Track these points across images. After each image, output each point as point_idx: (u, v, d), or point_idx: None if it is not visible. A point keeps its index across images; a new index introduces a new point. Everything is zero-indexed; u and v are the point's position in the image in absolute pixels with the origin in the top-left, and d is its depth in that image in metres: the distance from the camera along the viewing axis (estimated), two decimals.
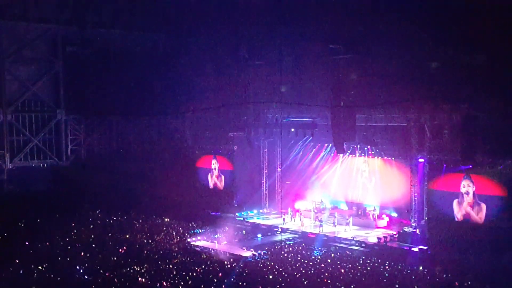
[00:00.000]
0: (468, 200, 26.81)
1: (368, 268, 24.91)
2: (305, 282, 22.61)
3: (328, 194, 36.26)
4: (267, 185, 38.10)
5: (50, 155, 43.40)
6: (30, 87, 42.27)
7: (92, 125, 45.22)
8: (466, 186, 26.86)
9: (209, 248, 29.14)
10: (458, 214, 27.14)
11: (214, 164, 38.96)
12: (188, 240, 30.56)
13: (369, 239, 30.07)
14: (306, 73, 33.59)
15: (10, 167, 41.68)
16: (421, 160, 29.42)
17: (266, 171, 37.98)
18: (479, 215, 26.49)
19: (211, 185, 39.27)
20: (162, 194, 38.59)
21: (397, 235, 30.01)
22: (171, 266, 25.16)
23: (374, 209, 33.60)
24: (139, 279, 23.38)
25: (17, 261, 25.39)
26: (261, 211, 37.56)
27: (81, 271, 24.36)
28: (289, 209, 35.21)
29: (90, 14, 42.16)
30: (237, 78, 37.11)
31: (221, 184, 38.75)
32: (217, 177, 38.92)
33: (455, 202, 27.19)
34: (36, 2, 40.78)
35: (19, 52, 41.59)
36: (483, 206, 26.30)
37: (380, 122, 31.80)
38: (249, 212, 37.00)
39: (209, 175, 39.23)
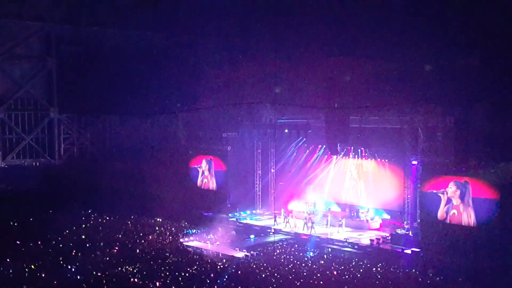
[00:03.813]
0: (454, 203, 26.96)
1: (361, 270, 24.95)
2: (298, 284, 22.61)
3: (321, 195, 36.24)
4: (260, 186, 38.06)
5: (43, 154, 43.23)
6: (23, 85, 42.08)
7: (85, 124, 45.09)
8: (451, 190, 27.01)
9: (201, 249, 29.11)
10: (443, 216, 27.32)
11: (204, 165, 38.85)
12: (181, 240, 30.53)
13: (361, 241, 30.09)
14: (300, 74, 33.58)
15: (2, 165, 41.49)
16: (414, 162, 29.48)
17: (260, 172, 37.95)
18: (466, 219, 26.61)
19: (199, 184, 39.14)
20: (155, 194, 38.51)
21: (390, 237, 30.06)
22: (163, 267, 25.08)
23: (367, 211, 33.65)
24: (131, 279, 23.31)
25: (8, 260, 25.26)
26: (254, 212, 37.53)
27: (73, 270, 24.26)
28: (282, 210, 35.19)
29: (84, 13, 42.04)
30: (231, 78, 37.06)
31: (213, 185, 38.65)
32: (207, 178, 38.78)
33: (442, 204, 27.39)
34: (30, 0, 40.64)
35: (12, 50, 41.40)
36: (471, 210, 26.39)
37: (374, 124, 31.88)
38: (242, 212, 36.93)
39: (199, 175, 39.11)
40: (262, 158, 37.91)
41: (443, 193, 27.23)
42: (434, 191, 27.50)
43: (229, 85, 37.01)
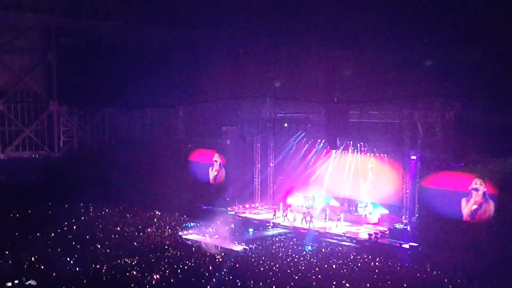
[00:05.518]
0: (476, 198, 26.59)
1: (359, 264, 24.99)
2: (296, 277, 22.65)
3: (320, 189, 36.29)
4: (259, 180, 38.09)
5: (42, 146, 43.21)
6: (23, 77, 42.03)
7: (85, 116, 45.03)
8: (475, 185, 26.45)
9: (200, 242, 29.17)
10: (465, 211, 26.86)
11: (216, 158, 38.81)
12: (180, 233, 30.57)
13: (360, 235, 30.19)
14: (300, 68, 33.60)
15: (2, 157, 41.48)
16: (413, 157, 29.52)
17: (259, 166, 37.97)
18: (486, 213, 26.22)
19: (211, 178, 39.13)
20: (154, 187, 38.56)
21: (388, 232, 30.11)
22: (162, 259, 25.13)
23: (366, 205, 33.70)
24: (130, 271, 23.36)
25: (7, 252, 25.32)
26: (253, 205, 37.59)
27: (72, 262, 24.32)
28: (281, 204, 35.25)
29: (85, 5, 41.92)
30: (231, 72, 37.05)
31: (222, 178, 38.62)
32: (217, 171, 38.74)
33: (463, 200, 26.85)
34: None
35: (12, 42, 41.30)
36: (491, 203, 25.90)
37: (373, 119, 31.91)
38: (241, 206, 36.99)
39: (210, 168, 39.02)
40: (261, 152, 37.90)
41: (475, 190, 26.52)
42: (441, 189, 27.21)
43: (229, 79, 37.02)
